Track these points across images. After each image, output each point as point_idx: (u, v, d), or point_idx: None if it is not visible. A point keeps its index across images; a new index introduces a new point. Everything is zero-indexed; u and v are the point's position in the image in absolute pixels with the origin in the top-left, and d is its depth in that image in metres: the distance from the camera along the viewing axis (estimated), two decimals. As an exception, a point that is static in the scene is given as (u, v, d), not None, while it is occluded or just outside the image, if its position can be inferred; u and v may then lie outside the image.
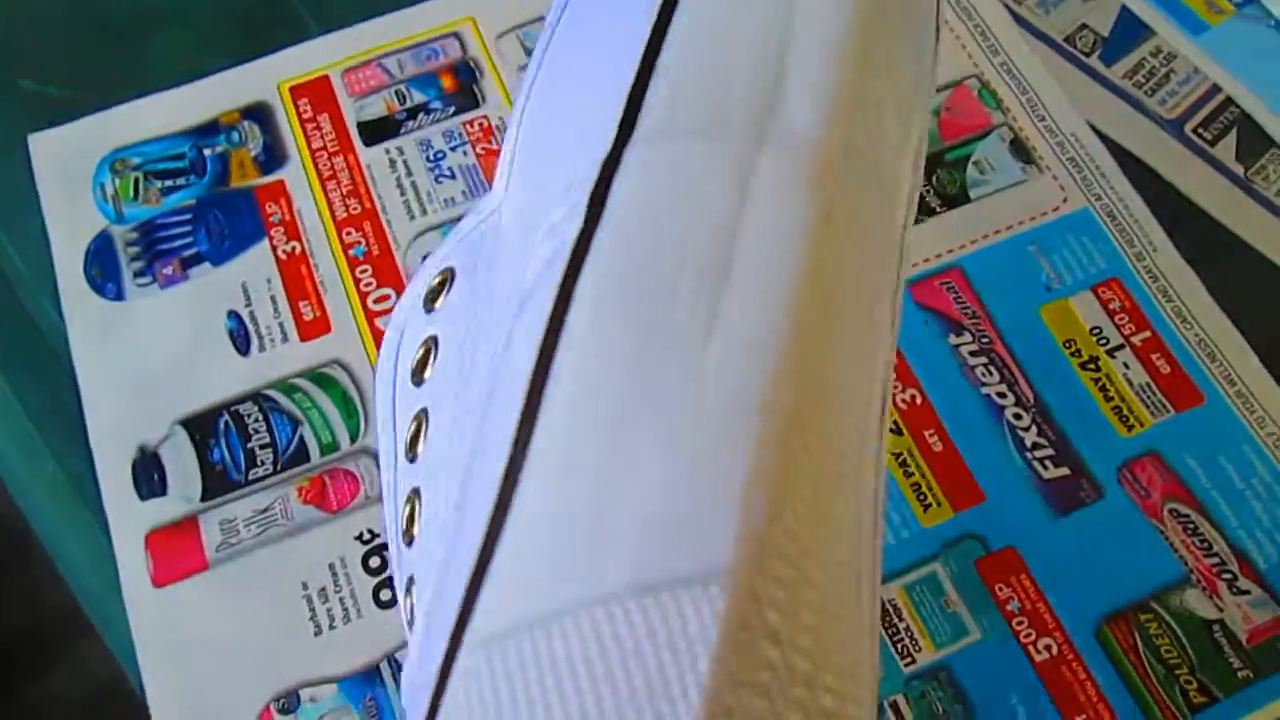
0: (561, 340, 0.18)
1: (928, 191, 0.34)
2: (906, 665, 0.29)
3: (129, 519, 0.31)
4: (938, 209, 0.34)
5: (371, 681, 0.29)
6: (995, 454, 0.31)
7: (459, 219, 0.30)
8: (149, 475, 0.31)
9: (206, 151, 0.36)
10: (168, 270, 0.34)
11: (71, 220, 0.35)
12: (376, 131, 0.36)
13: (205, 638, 0.29)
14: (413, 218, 0.34)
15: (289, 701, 0.29)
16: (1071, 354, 0.32)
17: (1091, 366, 0.32)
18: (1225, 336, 0.32)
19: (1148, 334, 0.32)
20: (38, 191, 0.35)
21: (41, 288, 0.34)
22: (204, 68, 0.37)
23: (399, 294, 0.33)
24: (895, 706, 0.28)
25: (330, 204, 0.34)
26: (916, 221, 0.34)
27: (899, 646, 0.29)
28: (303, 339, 0.33)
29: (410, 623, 0.21)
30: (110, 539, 0.31)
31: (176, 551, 0.30)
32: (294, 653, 0.29)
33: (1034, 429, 0.31)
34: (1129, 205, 0.34)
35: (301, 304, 0.33)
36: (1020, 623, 0.29)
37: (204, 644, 0.29)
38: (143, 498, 0.31)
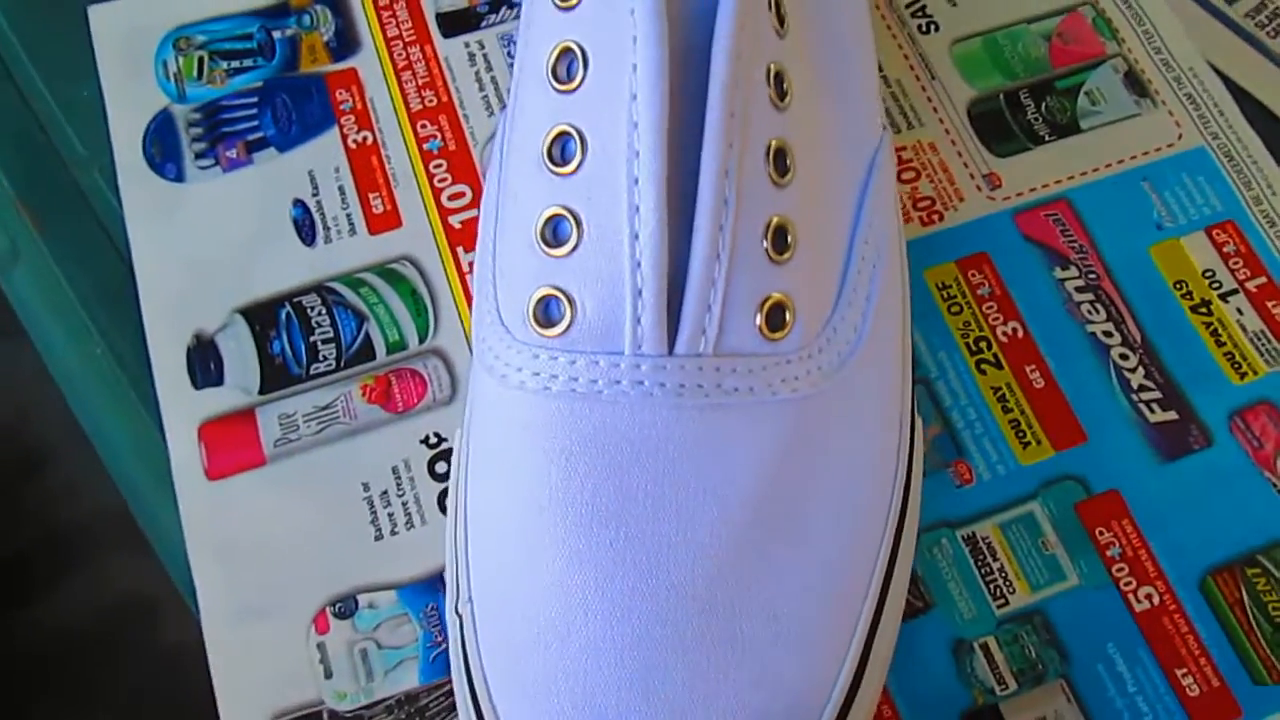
0: None
1: (1036, 119, 0.32)
2: (999, 607, 0.27)
3: (182, 408, 0.29)
4: (1046, 138, 0.32)
5: (433, 590, 0.27)
6: (1099, 394, 0.29)
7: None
8: (205, 364, 0.30)
9: (275, 34, 0.34)
10: (231, 153, 0.32)
11: (131, 97, 0.33)
12: (456, 23, 0.34)
13: (260, 535, 0.28)
14: (491, 114, 0.32)
15: (346, 606, 0.27)
16: (1182, 296, 0.30)
17: (1203, 310, 0.30)
18: (1343, 288, 0.30)
19: (1263, 280, 0.30)
20: (96, 67, 0.34)
21: (97, 166, 0.32)
22: (274, -52, 0.35)
23: (475, 191, 0.31)
24: (986, 648, 0.27)
25: (405, 95, 0.33)
26: (1023, 149, 0.32)
27: (992, 587, 0.27)
28: (371, 232, 0.31)
29: None
30: (161, 428, 0.29)
31: (232, 444, 0.29)
32: (353, 556, 0.28)
33: (1141, 370, 0.29)
34: (1247, 146, 0.32)
35: (371, 196, 0.31)
36: (1120, 569, 0.27)
37: (258, 542, 0.28)
38: (197, 387, 0.29)
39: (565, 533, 0.21)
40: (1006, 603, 0.27)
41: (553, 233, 0.22)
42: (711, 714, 0.20)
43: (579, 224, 0.21)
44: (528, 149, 0.23)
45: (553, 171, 0.22)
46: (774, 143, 0.22)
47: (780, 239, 0.22)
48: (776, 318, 0.22)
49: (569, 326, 0.21)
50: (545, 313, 0.22)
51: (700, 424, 0.21)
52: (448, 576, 0.25)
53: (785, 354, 0.22)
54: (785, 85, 0.22)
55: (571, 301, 0.22)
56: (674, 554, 0.21)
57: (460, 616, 0.24)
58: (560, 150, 0.22)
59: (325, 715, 0.26)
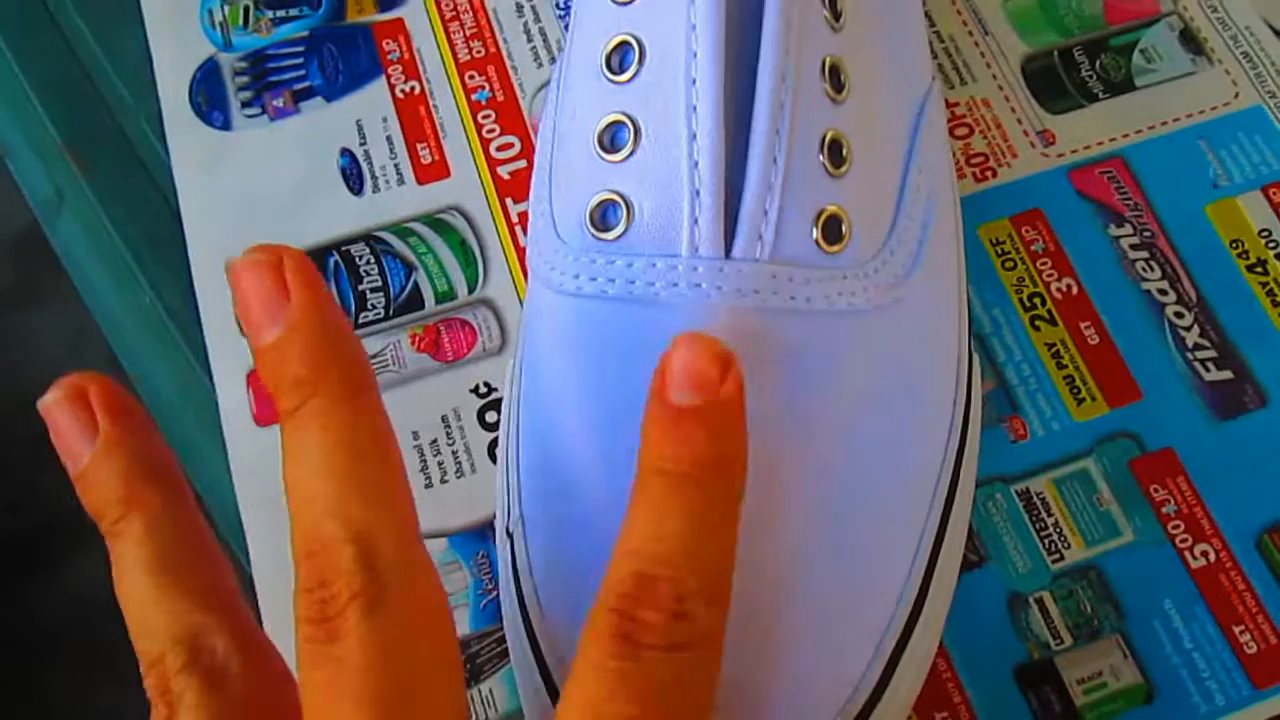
0: None
1: (1090, 77, 0.32)
2: (1054, 562, 0.27)
3: (231, 355, 0.29)
4: (1101, 95, 0.32)
5: (484, 538, 0.27)
6: (1154, 352, 0.29)
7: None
8: (253, 311, 0.29)
9: (322, -16, 0.33)
10: (278, 102, 0.32)
11: (177, 45, 0.33)
12: (503, -26, 0.33)
13: (309, 481, 0.28)
14: (540, 66, 0.32)
15: (396, 553, 0.27)
16: (1238, 255, 0.30)
17: (1259, 270, 0.30)
18: (1401, 250, 0.30)
19: (1321, 240, 0.30)
20: (142, 15, 0.33)
21: (144, 113, 0.32)
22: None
23: (524, 142, 0.31)
24: (1041, 602, 0.26)
25: (452, 45, 0.32)
26: (1078, 106, 0.32)
27: (1046, 542, 0.27)
28: (420, 182, 0.31)
29: None
30: (210, 376, 0.29)
31: (281, 391, 0.29)
32: (402, 503, 0.28)
33: (1196, 329, 0.29)
34: (1305, 106, 0.32)
35: (419, 146, 0.31)
36: (1176, 527, 0.27)
37: (308, 487, 0.28)
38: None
39: (623, 437, 0.21)
40: (1061, 558, 0.27)
41: (611, 139, 0.22)
42: (755, 624, 0.20)
43: (637, 129, 0.22)
44: (587, 61, 0.23)
45: (611, 80, 0.22)
46: (829, 59, 0.22)
47: (836, 153, 0.22)
48: (833, 230, 0.22)
49: (626, 229, 0.22)
50: (603, 218, 0.22)
51: (757, 330, 0.21)
52: (497, 502, 0.25)
53: (842, 268, 0.22)
54: (839, 7, 0.23)
55: (629, 205, 0.22)
56: None
57: (511, 536, 0.23)
58: (619, 59, 0.22)
59: (376, 661, 0.26)
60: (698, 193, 0.21)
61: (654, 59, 0.22)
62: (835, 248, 0.22)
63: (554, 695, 0.22)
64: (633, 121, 0.22)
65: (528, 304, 0.25)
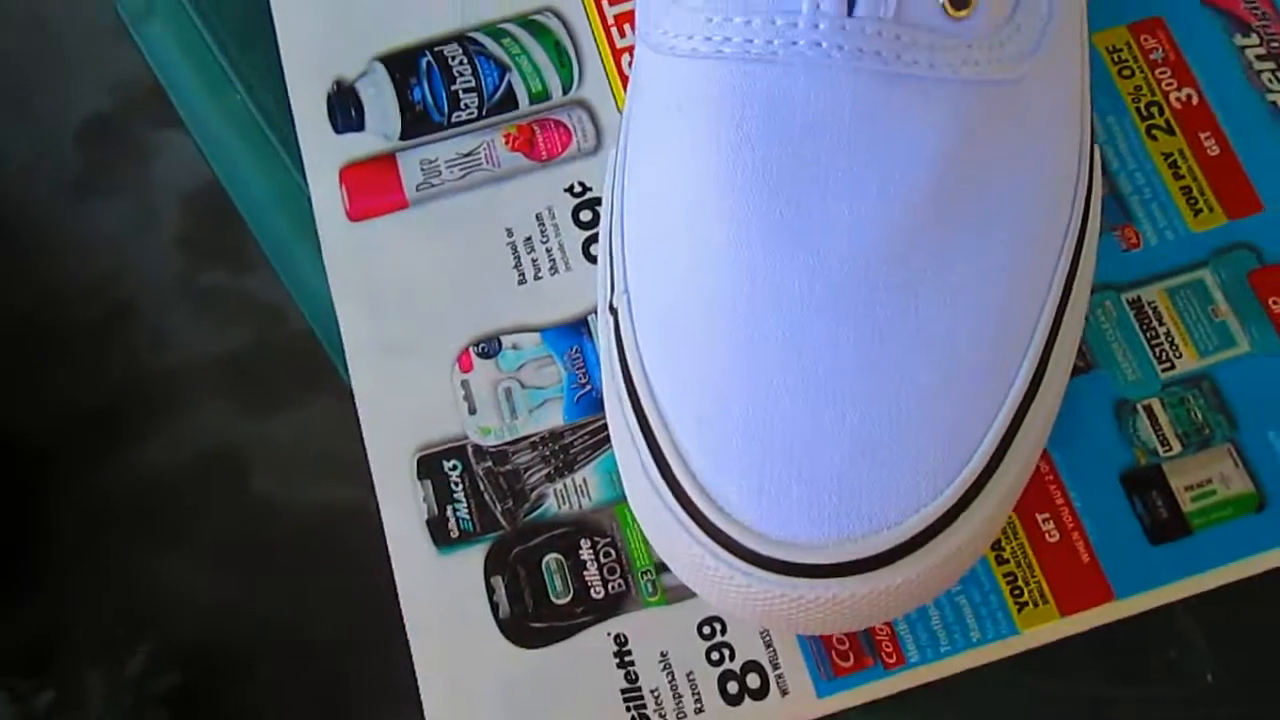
0: None
1: (1219, -118, 0.30)
2: (1165, 370, 0.26)
3: (323, 152, 0.29)
4: (1230, -99, 0.30)
5: (578, 333, 0.27)
6: (1278, 164, 0.28)
7: None
8: (346, 109, 0.29)
9: None
10: (370, -98, 0.31)
11: None
12: None
13: (403, 275, 0.28)
14: None
15: (489, 346, 0.27)
16: (1372, 68, 0.28)
17: (1394, 83, 0.28)
18: None
19: None
20: None
21: (233, -86, 0.32)
22: None
23: (620, -57, 0.30)
24: (1150, 410, 0.26)
25: None
26: (1204, -88, 0.30)
27: (1157, 350, 0.26)
28: (514, -18, 0.30)
29: None
30: (302, 174, 0.29)
31: (374, 187, 0.28)
32: (496, 299, 0.27)
33: (1324, 142, 0.28)
34: None
35: (513, -54, 0.30)
36: (1294, 339, 0.26)
37: (401, 281, 0.28)
38: (338, 131, 0.29)
39: (736, 202, 0.21)
40: (1172, 366, 0.26)
41: None
42: (874, 383, 0.20)
43: None
44: None
45: None
46: None
47: None
48: None
49: None
50: None
51: (879, 94, 0.20)
52: (600, 279, 0.25)
53: (967, 37, 0.21)
54: None
55: None
56: (845, 227, 0.20)
57: (615, 311, 0.23)
58: None
59: (470, 449, 0.26)
60: None
61: None
62: (962, 13, 0.21)
63: (661, 467, 0.21)
64: None
65: (634, 76, 0.25)
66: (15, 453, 0.93)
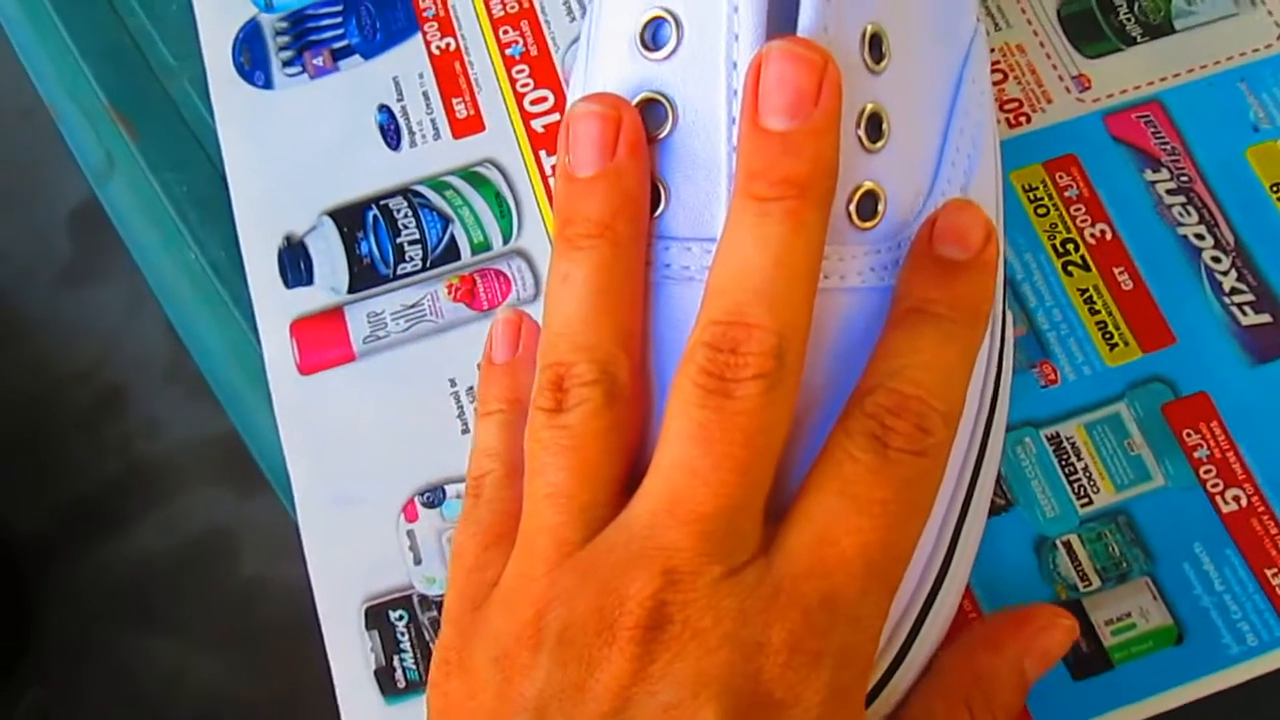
0: None
1: (1129, 19, 0.32)
2: (1083, 506, 0.27)
3: (274, 307, 0.30)
4: (1139, 38, 0.31)
5: (519, 482, 0.28)
6: (1189, 296, 0.29)
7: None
8: (295, 264, 0.30)
9: (358, -56, 0.34)
10: (318, 61, 0.33)
11: (220, 8, 0.34)
12: (536, -70, 0.34)
13: (351, 427, 0.29)
14: (573, 19, 0.32)
15: (434, 496, 0.28)
16: (1279, 199, 0.30)
17: (1300, 213, 0.29)
18: None
19: (1365, 183, 0.30)
20: (185, -22, 0.34)
21: (188, 75, 0.33)
22: None
23: (557, 96, 0.31)
24: (1069, 545, 0.27)
25: (487, 2, 0.33)
26: (1115, 50, 0.31)
27: (1075, 486, 0.27)
28: (455, 136, 0.31)
29: None
30: (254, 329, 0.30)
31: (323, 340, 0.30)
32: (440, 448, 0.28)
33: (1233, 273, 0.29)
34: (1350, 46, 0.31)
35: (455, 101, 0.32)
36: (1208, 471, 0.27)
37: (350, 433, 0.29)
38: (288, 286, 0.30)
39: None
40: (1090, 502, 0.27)
41: (646, 115, 0.22)
42: None
43: (673, 107, 0.22)
44: (619, 33, 0.23)
45: (645, 56, 0.22)
46: (870, 27, 0.22)
47: (874, 127, 0.22)
48: (868, 206, 0.22)
49: (664, 211, 0.22)
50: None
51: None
52: None
53: (874, 243, 0.22)
54: None
55: (666, 188, 0.22)
56: None
57: None
58: (652, 34, 0.22)
59: (415, 599, 0.27)
60: (733, 173, 0.21)
61: (691, 37, 0.21)
62: (869, 224, 0.22)
63: None
64: (668, 100, 0.22)
65: None
66: (10, 545, 0.94)
